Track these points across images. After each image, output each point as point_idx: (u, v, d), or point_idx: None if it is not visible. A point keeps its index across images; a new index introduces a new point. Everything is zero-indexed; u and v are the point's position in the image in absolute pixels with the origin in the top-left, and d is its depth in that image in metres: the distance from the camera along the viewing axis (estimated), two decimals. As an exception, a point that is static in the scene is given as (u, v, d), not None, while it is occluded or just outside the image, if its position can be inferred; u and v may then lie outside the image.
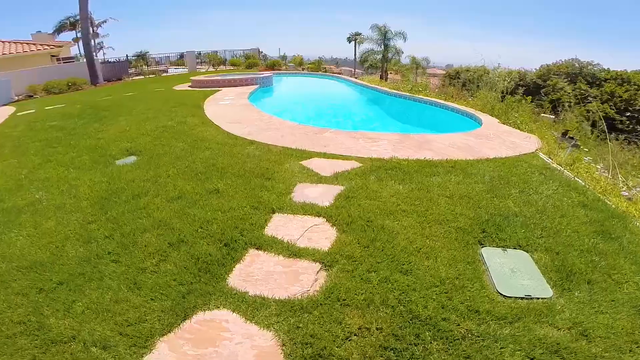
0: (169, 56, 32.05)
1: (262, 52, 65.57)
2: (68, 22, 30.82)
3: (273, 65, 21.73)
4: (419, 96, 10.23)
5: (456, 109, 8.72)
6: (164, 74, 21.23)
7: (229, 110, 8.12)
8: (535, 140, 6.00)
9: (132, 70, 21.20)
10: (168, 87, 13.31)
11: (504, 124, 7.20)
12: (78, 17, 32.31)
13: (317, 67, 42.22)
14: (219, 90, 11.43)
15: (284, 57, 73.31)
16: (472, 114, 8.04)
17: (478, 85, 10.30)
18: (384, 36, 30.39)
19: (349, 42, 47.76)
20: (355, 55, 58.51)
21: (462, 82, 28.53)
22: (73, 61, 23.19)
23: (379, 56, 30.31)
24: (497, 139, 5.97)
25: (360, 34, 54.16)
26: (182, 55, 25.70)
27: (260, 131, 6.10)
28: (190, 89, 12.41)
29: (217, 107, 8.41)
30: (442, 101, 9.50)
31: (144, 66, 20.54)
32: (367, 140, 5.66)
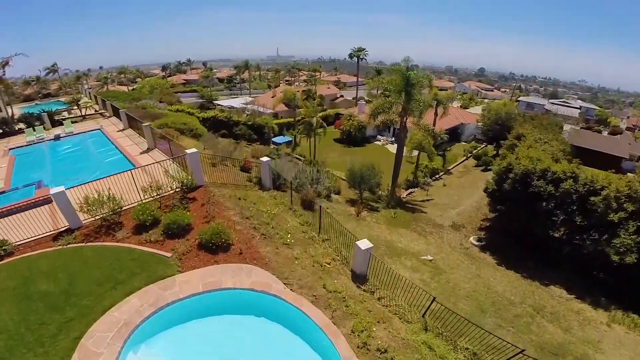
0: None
1: (250, 64, 58.34)
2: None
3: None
4: None
5: None
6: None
7: None
8: None
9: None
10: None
11: None
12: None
13: (314, 110, 35.65)
14: None
15: (277, 71, 65.82)
16: None
17: None
18: (407, 81, 25.44)
19: (351, 58, 42.39)
20: (357, 70, 52.53)
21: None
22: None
23: (398, 107, 25.23)
24: None
25: (364, 49, 48.27)
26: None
27: None
28: None
29: None
30: None
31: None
32: None
